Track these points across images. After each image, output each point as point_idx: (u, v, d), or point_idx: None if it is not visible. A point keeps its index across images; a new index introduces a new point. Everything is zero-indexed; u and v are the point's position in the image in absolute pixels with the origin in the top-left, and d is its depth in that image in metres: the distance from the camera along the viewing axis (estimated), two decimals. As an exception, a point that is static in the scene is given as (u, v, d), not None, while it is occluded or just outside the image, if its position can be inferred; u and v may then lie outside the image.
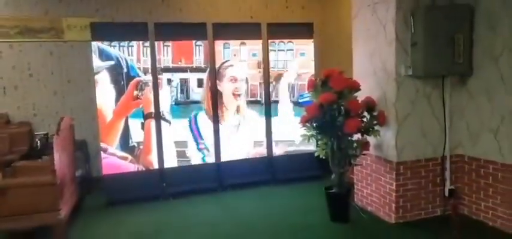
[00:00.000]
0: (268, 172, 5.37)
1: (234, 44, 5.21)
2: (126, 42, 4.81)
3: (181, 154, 5.08)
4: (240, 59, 5.27)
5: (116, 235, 3.91)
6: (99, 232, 4.00)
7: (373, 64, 4.05)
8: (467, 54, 3.71)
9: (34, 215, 3.53)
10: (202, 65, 5.12)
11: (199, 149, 5.15)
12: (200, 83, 5.13)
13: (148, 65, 4.89)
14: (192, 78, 5.10)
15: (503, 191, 3.55)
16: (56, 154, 3.63)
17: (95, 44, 4.70)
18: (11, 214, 3.47)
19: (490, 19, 3.59)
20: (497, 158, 3.58)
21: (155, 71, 4.98)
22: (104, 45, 4.72)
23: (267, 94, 5.37)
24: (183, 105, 5.08)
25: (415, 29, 3.68)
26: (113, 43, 4.76)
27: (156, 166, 4.96)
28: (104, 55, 4.73)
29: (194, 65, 5.11)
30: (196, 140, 5.13)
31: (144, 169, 4.90)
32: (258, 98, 5.34)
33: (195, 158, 5.12)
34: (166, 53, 5.02)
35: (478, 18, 3.69)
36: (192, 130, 5.11)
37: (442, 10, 3.71)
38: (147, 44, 4.90)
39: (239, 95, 5.26)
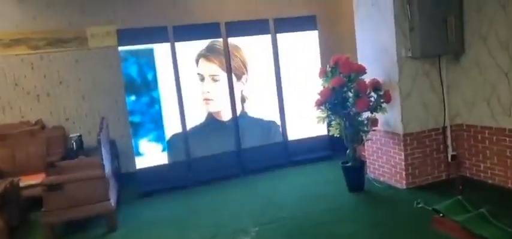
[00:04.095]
0: (284, 155, 5.86)
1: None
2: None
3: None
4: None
5: (157, 219, 4.36)
6: (142, 217, 4.46)
7: (376, 49, 4.51)
8: (459, 34, 4.18)
9: (88, 205, 3.97)
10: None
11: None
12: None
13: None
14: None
15: (498, 152, 4.05)
16: (103, 150, 4.08)
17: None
18: (69, 206, 3.91)
19: (477, 2, 4.07)
20: (492, 123, 4.08)
21: (177, 70, 5.43)
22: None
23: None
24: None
25: (411, 16, 4.12)
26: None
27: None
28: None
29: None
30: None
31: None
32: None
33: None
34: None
35: (467, 1, 4.16)
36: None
37: (435, -3, 4.16)
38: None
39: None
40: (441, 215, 3.33)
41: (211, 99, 5.58)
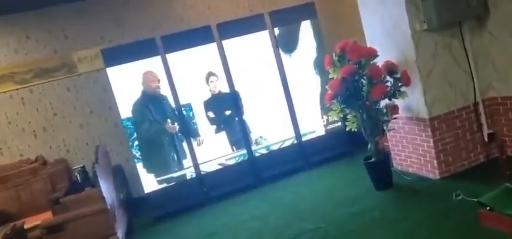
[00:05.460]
0: (300, 157, 5.39)
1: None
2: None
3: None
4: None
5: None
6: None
7: (386, 27, 4.01)
8: (481, -6, 3.64)
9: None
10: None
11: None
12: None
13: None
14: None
15: (543, 122, 3.52)
16: (102, 181, 3.77)
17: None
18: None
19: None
20: (533, 92, 3.55)
21: (173, 83, 5.05)
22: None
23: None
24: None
25: (421, -18, 3.62)
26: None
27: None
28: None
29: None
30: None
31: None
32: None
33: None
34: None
35: (487, -45, 3.62)
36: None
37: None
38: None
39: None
40: (488, 208, 2.86)
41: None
